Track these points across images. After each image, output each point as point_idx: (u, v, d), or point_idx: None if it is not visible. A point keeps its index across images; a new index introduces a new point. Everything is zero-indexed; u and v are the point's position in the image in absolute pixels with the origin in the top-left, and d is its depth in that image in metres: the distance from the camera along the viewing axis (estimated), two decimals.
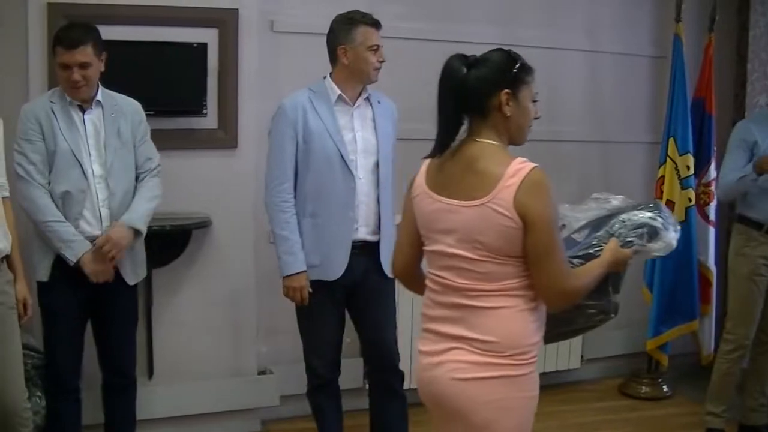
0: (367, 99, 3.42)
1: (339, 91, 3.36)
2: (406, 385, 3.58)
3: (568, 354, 4.79)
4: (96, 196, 3.28)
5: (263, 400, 4.18)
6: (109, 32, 3.40)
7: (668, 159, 4.70)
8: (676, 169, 4.67)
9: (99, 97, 3.32)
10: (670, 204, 4.56)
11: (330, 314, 3.44)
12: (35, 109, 3.27)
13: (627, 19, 5.03)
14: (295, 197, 3.34)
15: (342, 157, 3.31)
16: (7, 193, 3.15)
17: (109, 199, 3.29)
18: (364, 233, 3.38)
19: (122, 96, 3.42)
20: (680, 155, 4.66)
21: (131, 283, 3.42)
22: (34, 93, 3.64)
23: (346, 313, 3.52)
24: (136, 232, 3.33)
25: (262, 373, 4.22)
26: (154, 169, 3.44)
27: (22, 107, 3.32)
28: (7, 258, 3.07)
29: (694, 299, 4.74)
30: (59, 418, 3.39)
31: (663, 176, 4.72)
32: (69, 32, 3.21)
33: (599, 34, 4.95)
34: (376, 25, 3.34)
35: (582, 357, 4.89)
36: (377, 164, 3.39)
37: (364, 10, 3.36)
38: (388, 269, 3.37)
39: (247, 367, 4.15)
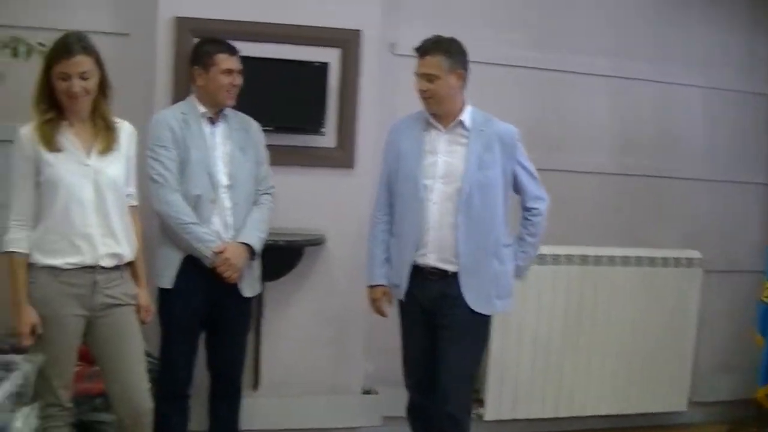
0: (462, 124, 3.34)
1: (428, 116, 3.37)
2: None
3: (674, 396, 4.65)
4: (223, 204, 3.37)
5: (365, 420, 4.17)
6: None
7: None
8: None
9: (226, 111, 3.46)
10: None
11: (413, 333, 3.47)
12: (168, 118, 3.38)
13: (744, 56, 4.91)
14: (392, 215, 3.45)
15: (416, 180, 3.31)
16: (135, 202, 3.11)
17: (234, 208, 3.39)
18: (433, 260, 3.32)
19: (245, 115, 3.55)
20: None
21: (246, 295, 3.49)
22: (159, 104, 3.73)
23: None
24: (251, 250, 3.40)
25: (367, 392, 4.20)
26: (269, 188, 3.56)
27: (154, 116, 3.43)
28: (131, 265, 3.06)
29: None
30: (168, 422, 3.41)
31: None
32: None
33: (714, 69, 4.84)
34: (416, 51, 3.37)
35: (689, 399, 4.73)
36: (460, 191, 3.30)
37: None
38: (475, 304, 3.31)
39: (352, 386, 4.15)
